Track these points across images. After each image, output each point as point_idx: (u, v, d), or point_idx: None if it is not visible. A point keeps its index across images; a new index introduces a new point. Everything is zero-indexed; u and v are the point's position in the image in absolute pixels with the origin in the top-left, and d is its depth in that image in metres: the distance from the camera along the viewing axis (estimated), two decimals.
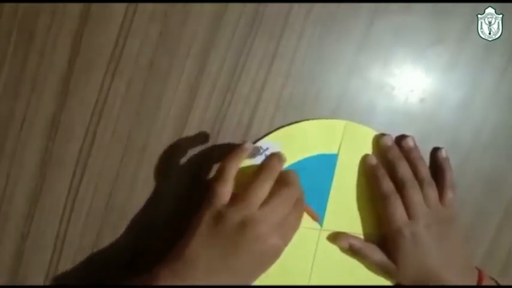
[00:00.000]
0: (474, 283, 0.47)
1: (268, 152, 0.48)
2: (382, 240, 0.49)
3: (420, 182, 0.48)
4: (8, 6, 0.43)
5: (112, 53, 0.45)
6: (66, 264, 0.48)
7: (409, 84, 0.49)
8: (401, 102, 0.49)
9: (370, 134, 0.49)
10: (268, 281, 0.49)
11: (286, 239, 0.43)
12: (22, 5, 0.43)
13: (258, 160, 0.47)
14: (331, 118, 0.49)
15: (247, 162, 0.47)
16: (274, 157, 0.44)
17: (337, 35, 0.47)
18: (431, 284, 0.47)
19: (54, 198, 0.47)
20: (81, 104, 0.46)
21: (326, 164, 0.49)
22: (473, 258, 0.52)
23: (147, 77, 0.46)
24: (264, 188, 0.42)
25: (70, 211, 0.47)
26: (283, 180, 0.43)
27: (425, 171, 0.48)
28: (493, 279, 0.49)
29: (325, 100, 0.48)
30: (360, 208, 0.50)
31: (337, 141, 0.49)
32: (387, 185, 0.48)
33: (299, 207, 0.44)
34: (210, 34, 0.46)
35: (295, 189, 0.43)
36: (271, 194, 0.42)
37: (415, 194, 0.47)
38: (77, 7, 0.44)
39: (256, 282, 0.44)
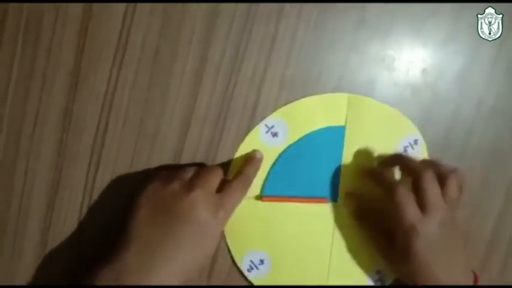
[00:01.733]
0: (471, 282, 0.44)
1: (274, 130, 0.48)
2: (391, 233, 0.45)
3: (440, 173, 0.44)
4: (12, 6, 0.43)
5: (117, 45, 0.45)
6: (88, 254, 0.48)
7: (409, 55, 0.49)
8: (402, 74, 0.49)
9: (374, 104, 0.49)
10: (291, 260, 0.49)
11: (217, 214, 0.42)
12: (26, 5, 0.44)
13: (264, 139, 0.48)
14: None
15: (252, 143, 0.48)
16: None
17: (335, 13, 0.47)
18: (426, 283, 0.43)
19: (72, 189, 0.47)
20: (91, 96, 0.46)
21: (334, 136, 0.48)
22: (481, 231, 0.52)
23: (153, 65, 0.46)
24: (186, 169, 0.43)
25: (89, 200, 0.48)
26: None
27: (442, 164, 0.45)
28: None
29: (327, 77, 0.48)
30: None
31: (343, 114, 0.48)
32: (392, 175, 0.46)
33: (234, 189, 0.44)
34: (211, 20, 0.45)
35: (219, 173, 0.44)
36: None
37: (432, 184, 0.43)
38: (79, 4, 0.44)
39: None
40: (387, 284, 0.50)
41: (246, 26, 0.46)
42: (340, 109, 0.48)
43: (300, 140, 0.48)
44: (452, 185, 0.44)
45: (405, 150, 0.49)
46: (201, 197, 0.41)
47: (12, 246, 0.48)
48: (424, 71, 0.49)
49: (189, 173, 0.44)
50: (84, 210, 0.48)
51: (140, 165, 0.47)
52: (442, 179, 0.44)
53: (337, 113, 0.48)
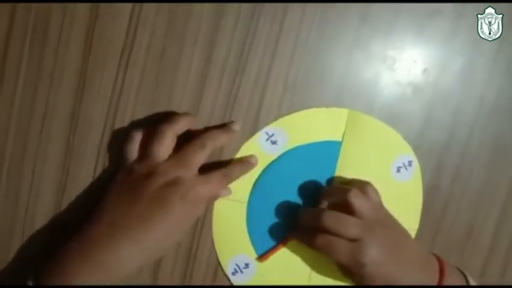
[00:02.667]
0: (436, 273, 0.44)
1: (273, 138, 0.48)
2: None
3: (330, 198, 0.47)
4: (20, 6, 0.43)
5: (123, 45, 0.45)
6: None
7: (411, 55, 0.49)
8: (404, 74, 0.49)
9: (373, 122, 0.48)
10: (276, 264, 0.49)
11: (186, 197, 0.41)
12: (34, 5, 0.43)
13: (263, 146, 0.48)
14: (337, 94, 0.48)
15: (251, 149, 0.48)
16: (181, 115, 0.44)
17: (338, 12, 0.47)
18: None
19: (79, 190, 0.47)
20: (98, 97, 0.46)
21: (330, 150, 0.48)
22: (485, 226, 0.51)
23: (159, 66, 0.45)
24: (165, 142, 0.42)
25: (96, 202, 0.47)
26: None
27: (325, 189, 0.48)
28: (455, 268, 0.47)
29: (330, 77, 0.48)
30: None
31: (341, 129, 0.48)
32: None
33: (210, 181, 0.43)
34: (215, 19, 0.45)
35: (201, 155, 0.43)
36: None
37: (334, 219, 0.43)
38: (86, 4, 0.44)
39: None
40: None
41: (251, 25, 0.46)
42: (339, 124, 0.48)
43: (295, 150, 0.48)
44: (371, 191, 0.46)
45: (398, 171, 0.49)
46: (172, 184, 0.41)
47: (20, 247, 0.47)
48: (425, 70, 0.49)
49: (165, 152, 0.43)
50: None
51: None
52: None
53: (336, 127, 0.48)
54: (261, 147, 0.48)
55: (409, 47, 0.48)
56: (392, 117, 0.49)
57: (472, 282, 0.45)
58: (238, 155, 0.48)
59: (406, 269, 0.43)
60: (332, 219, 0.43)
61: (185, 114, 0.45)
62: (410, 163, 0.49)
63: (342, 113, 0.48)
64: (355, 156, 0.49)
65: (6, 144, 0.46)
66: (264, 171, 0.48)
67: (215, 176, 0.44)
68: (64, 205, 0.47)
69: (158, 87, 0.46)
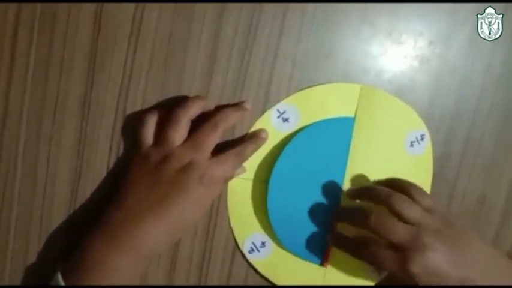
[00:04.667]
0: None
1: (285, 115, 0.46)
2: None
3: (404, 190, 0.42)
4: None
5: (131, 27, 0.44)
6: None
7: (417, 28, 0.47)
8: (411, 47, 0.48)
9: (385, 97, 0.47)
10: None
11: (203, 179, 0.41)
12: None
13: (275, 124, 0.46)
14: (346, 70, 0.47)
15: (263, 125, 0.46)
16: (193, 98, 0.43)
17: None
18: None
19: (94, 175, 0.46)
20: (109, 81, 0.44)
21: (343, 127, 0.47)
22: (497, 192, 0.50)
23: (168, 47, 0.44)
24: (180, 126, 0.42)
25: (111, 187, 0.46)
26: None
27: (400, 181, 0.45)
28: None
29: (338, 53, 0.46)
30: (378, 172, 0.48)
31: (353, 105, 0.47)
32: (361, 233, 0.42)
33: (225, 161, 0.42)
34: None
35: (214, 137, 0.42)
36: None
37: (405, 202, 0.41)
38: None
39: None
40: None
41: (257, 3, 0.44)
42: (352, 99, 0.47)
43: (309, 127, 0.47)
44: (419, 195, 0.42)
45: (411, 145, 0.48)
46: (189, 167, 0.41)
47: (39, 233, 0.46)
48: (431, 42, 0.47)
49: (180, 136, 0.42)
50: (107, 196, 0.46)
51: None
52: (407, 195, 0.42)
53: (349, 103, 0.47)
54: (273, 125, 0.47)
55: (415, 20, 0.47)
56: (400, 90, 0.48)
57: None
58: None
59: (473, 272, 0.39)
60: (378, 224, 0.40)
61: (198, 97, 0.44)
62: (422, 137, 0.48)
63: (354, 89, 0.47)
64: (368, 132, 0.47)
65: (19, 132, 0.45)
66: (283, 149, 0.46)
67: (229, 156, 0.43)
68: (80, 191, 0.46)
69: (168, 69, 0.45)
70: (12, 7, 0.42)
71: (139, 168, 0.42)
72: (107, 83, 0.44)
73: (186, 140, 0.42)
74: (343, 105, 0.47)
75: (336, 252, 0.47)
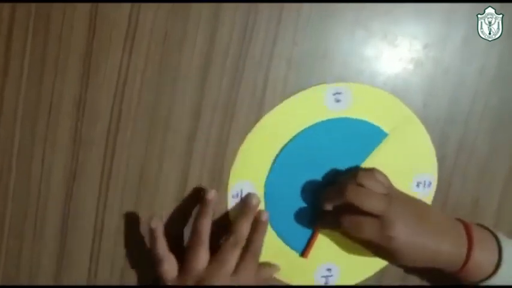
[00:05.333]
0: (463, 236, 0.43)
1: (338, 97, 0.46)
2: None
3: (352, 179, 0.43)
4: None
5: (127, 29, 0.43)
6: (109, 240, 0.47)
7: (412, 31, 0.47)
8: (405, 49, 0.47)
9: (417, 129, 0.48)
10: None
11: (243, 281, 0.42)
12: None
13: (327, 102, 0.46)
14: (341, 72, 0.46)
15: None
16: (201, 221, 0.43)
17: None
18: (429, 263, 0.43)
19: (89, 177, 0.46)
20: (104, 83, 0.44)
21: (374, 136, 0.47)
22: (491, 194, 0.50)
23: (163, 49, 0.44)
24: (200, 252, 0.43)
25: (106, 188, 0.46)
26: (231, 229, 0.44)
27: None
28: (480, 225, 0.45)
29: (333, 55, 0.46)
30: None
31: (393, 122, 0.47)
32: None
33: (247, 268, 0.43)
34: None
35: (239, 236, 0.43)
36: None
37: (359, 190, 0.42)
38: None
39: None
40: None
41: (253, 4, 0.44)
42: (395, 117, 0.47)
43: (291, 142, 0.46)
44: (374, 175, 0.43)
45: (418, 186, 0.49)
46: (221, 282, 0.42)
47: (33, 233, 0.46)
48: (426, 45, 0.47)
49: (203, 260, 0.43)
50: (102, 198, 0.46)
51: (155, 151, 0.46)
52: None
53: (391, 116, 0.47)
54: (325, 103, 0.46)
55: (410, 23, 0.47)
56: (395, 92, 0.47)
57: (504, 242, 0.43)
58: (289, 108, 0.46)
59: (433, 235, 0.42)
60: (356, 192, 0.42)
61: (204, 218, 0.44)
62: (430, 184, 0.49)
63: (404, 110, 0.47)
64: (388, 156, 0.47)
65: (14, 133, 0.44)
66: (280, 152, 0.46)
67: (248, 261, 0.44)
68: (75, 192, 0.46)
69: (163, 70, 0.44)
70: (6, 7, 0.42)
71: None
72: (102, 84, 0.44)
73: (211, 262, 0.43)
74: (386, 116, 0.47)
75: (318, 248, 0.48)
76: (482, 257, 0.42)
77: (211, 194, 0.43)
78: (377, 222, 0.41)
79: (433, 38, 0.47)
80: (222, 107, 0.45)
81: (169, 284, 0.43)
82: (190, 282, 0.42)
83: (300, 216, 0.48)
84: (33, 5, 0.42)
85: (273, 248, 0.48)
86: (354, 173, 0.43)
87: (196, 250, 0.43)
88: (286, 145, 0.46)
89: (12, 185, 0.45)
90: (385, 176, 0.45)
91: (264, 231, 0.45)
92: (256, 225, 0.45)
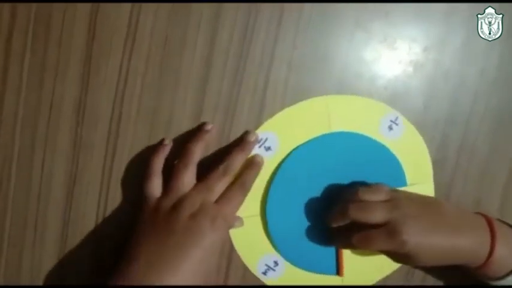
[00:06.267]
0: (486, 230, 0.41)
1: (267, 144, 0.45)
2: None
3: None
4: None
5: (127, 32, 0.43)
6: (109, 244, 0.46)
7: (411, 34, 0.47)
8: (405, 52, 0.47)
9: (355, 100, 0.46)
10: None
11: (215, 224, 0.41)
12: None
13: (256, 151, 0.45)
14: (340, 75, 0.46)
15: None
16: (194, 143, 0.43)
17: None
18: (449, 260, 0.41)
19: (90, 180, 0.45)
20: (104, 86, 0.43)
21: (325, 144, 0.46)
22: (492, 194, 0.49)
23: (163, 52, 0.43)
24: (187, 173, 0.42)
25: (106, 191, 0.45)
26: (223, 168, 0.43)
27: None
28: (500, 220, 0.44)
29: (333, 58, 0.45)
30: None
31: (326, 119, 0.46)
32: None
33: (232, 199, 0.42)
34: (218, 2, 0.43)
35: (230, 165, 0.42)
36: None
37: (359, 210, 0.41)
38: None
39: None
40: None
41: (253, 6, 0.44)
42: (323, 114, 0.46)
43: (294, 152, 0.46)
44: (372, 186, 0.43)
45: (391, 128, 0.47)
46: (201, 212, 0.40)
47: (33, 238, 0.45)
48: (425, 48, 0.47)
49: (188, 183, 0.42)
50: (102, 201, 0.45)
51: None
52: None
53: (322, 119, 0.46)
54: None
55: (409, 26, 0.46)
56: (395, 95, 0.47)
57: None
58: None
59: (448, 231, 0.41)
60: (357, 210, 0.41)
61: (199, 140, 0.43)
62: (396, 119, 0.47)
63: (320, 103, 0.46)
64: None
65: (14, 136, 0.44)
66: (272, 178, 0.46)
67: (234, 192, 0.43)
68: (76, 196, 0.45)
69: (163, 73, 0.44)
70: (6, 11, 0.41)
71: (151, 221, 0.41)
72: (102, 87, 0.43)
73: (196, 185, 0.42)
74: (318, 123, 0.46)
75: (349, 260, 0.47)
76: (506, 251, 0.41)
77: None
78: (385, 231, 0.40)
79: (432, 40, 0.47)
80: (223, 109, 0.45)
81: (151, 203, 0.42)
82: (170, 202, 0.41)
83: (314, 239, 0.47)
84: (34, 9, 0.42)
85: (311, 282, 0.48)
86: (353, 191, 0.43)
87: (183, 170, 0.42)
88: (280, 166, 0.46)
89: (13, 189, 0.45)
90: (383, 184, 0.44)
91: (257, 172, 0.44)
92: (250, 163, 0.44)
